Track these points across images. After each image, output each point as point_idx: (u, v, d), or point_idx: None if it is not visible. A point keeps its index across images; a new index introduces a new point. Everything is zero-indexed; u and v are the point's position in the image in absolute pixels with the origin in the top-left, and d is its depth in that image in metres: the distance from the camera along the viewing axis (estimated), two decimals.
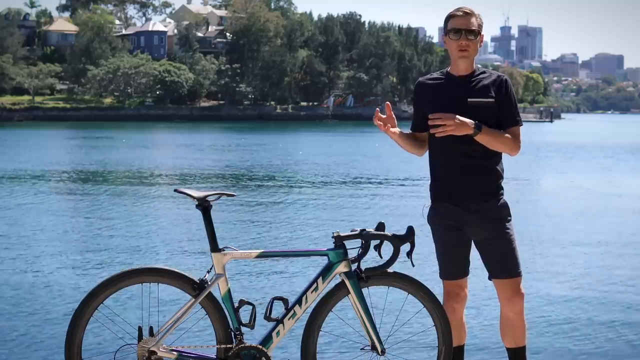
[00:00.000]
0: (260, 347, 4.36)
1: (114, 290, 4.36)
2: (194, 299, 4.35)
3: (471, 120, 4.56)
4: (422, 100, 4.81)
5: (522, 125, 4.78)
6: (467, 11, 4.69)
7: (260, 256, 4.53)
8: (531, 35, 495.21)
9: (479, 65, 4.94)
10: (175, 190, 4.54)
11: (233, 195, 4.71)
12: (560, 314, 8.33)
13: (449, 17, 4.73)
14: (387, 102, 4.84)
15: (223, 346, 4.38)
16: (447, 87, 4.74)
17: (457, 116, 4.55)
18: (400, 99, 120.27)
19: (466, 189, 4.70)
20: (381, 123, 4.68)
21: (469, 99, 4.64)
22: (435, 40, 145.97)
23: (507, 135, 4.67)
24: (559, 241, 13.11)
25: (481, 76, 4.74)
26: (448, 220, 4.77)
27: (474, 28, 4.67)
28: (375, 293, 4.59)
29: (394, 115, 4.72)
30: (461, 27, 4.65)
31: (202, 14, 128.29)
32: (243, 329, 4.40)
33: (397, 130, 4.73)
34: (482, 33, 4.73)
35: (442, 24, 4.87)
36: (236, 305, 4.40)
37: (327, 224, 14.74)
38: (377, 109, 4.73)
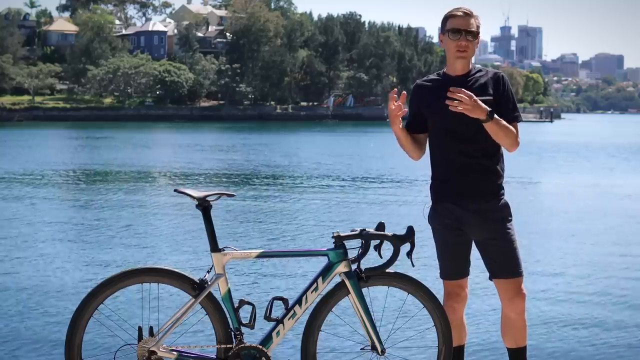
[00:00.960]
0: (260, 347, 4.36)
1: (114, 290, 4.36)
2: (194, 299, 4.35)
3: (486, 107, 4.52)
4: (420, 102, 4.79)
5: (521, 121, 4.77)
6: (467, 12, 4.68)
7: (260, 256, 4.53)
8: (531, 35, 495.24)
9: (477, 65, 4.93)
10: (175, 190, 4.53)
11: (233, 195, 4.71)
12: (562, 314, 8.33)
13: (448, 17, 4.71)
14: (404, 92, 4.68)
15: (223, 346, 4.37)
16: (445, 87, 4.71)
17: (475, 97, 4.49)
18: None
19: (466, 188, 4.70)
20: (400, 104, 4.56)
21: None
22: (435, 40, 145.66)
23: (512, 129, 4.65)
24: (562, 241, 13.10)
25: (478, 75, 4.73)
26: (448, 220, 4.76)
27: (473, 29, 4.66)
28: (375, 293, 4.59)
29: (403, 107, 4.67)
30: (461, 27, 4.64)
31: (202, 14, 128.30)
32: (243, 329, 4.40)
33: (401, 123, 4.69)
34: (479, 34, 4.73)
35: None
36: (236, 305, 4.40)
37: (327, 224, 14.74)
38: (395, 89, 4.64)
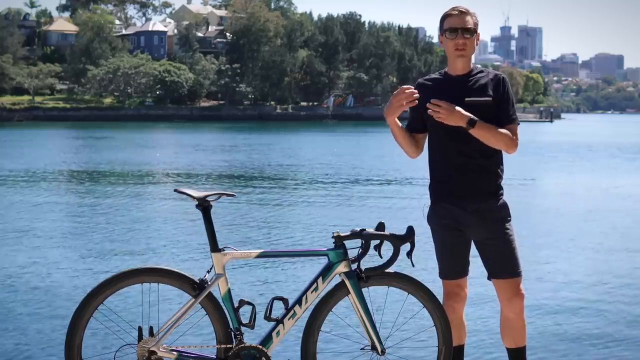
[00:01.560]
0: (260, 347, 4.36)
1: (113, 290, 4.36)
2: (194, 299, 4.35)
3: (467, 114, 4.54)
4: (420, 101, 4.79)
5: (519, 123, 4.77)
6: (462, 10, 4.70)
7: (260, 256, 4.53)
8: (531, 35, 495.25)
9: (478, 65, 4.94)
10: (175, 190, 4.53)
11: (233, 195, 4.71)
12: (562, 314, 8.32)
13: (445, 17, 4.73)
14: (416, 94, 4.60)
15: (223, 346, 4.38)
16: (445, 86, 4.73)
17: (454, 106, 4.53)
18: None
19: (464, 189, 4.70)
20: (406, 96, 4.54)
21: (466, 98, 4.65)
22: (435, 40, 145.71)
23: (504, 132, 4.66)
24: (564, 242, 13.07)
25: (479, 75, 4.74)
26: (447, 220, 4.77)
27: (469, 26, 4.67)
28: (375, 293, 4.59)
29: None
30: (457, 26, 4.66)
31: (202, 14, 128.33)
32: (243, 329, 4.40)
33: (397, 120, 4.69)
34: (478, 31, 4.73)
35: None
36: (236, 305, 4.40)
37: (327, 224, 14.73)
38: (413, 89, 4.60)
